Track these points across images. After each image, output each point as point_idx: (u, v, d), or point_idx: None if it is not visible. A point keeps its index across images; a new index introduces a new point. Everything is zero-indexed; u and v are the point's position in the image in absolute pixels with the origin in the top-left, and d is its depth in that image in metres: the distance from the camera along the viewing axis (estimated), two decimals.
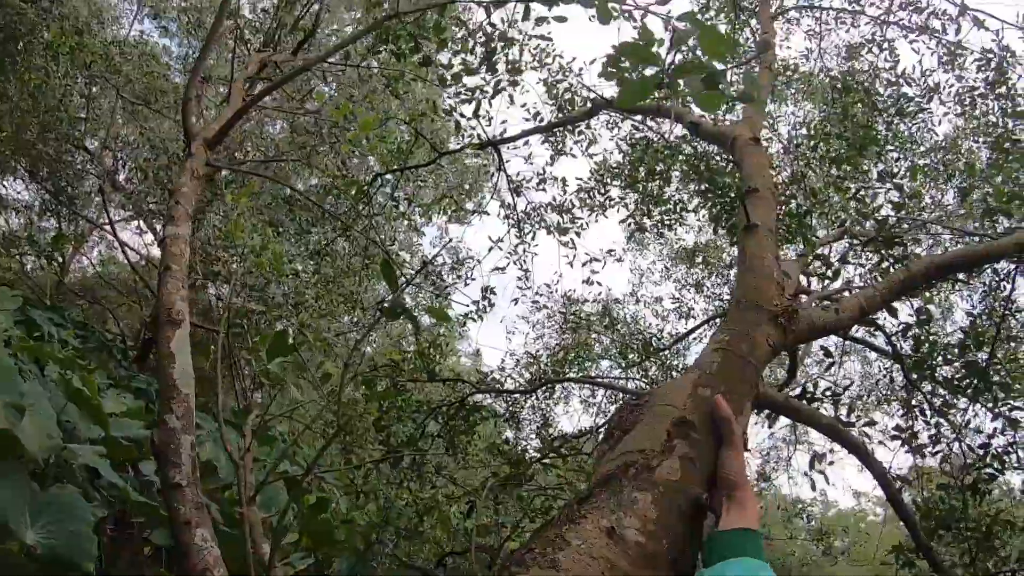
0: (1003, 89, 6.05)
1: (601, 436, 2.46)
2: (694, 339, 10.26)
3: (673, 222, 7.99)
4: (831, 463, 4.56)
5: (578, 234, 8.28)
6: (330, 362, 9.90)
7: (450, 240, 10.61)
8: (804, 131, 6.89)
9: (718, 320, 10.32)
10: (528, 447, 9.62)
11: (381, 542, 6.39)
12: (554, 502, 7.17)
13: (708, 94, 1.58)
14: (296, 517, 5.52)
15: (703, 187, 6.45)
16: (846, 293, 3.83)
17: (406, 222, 8.39)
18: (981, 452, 3.98)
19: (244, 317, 6.18)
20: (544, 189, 8.28)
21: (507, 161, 7.81)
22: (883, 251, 4.44)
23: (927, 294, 4.80)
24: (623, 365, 9.95)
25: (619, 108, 6.02)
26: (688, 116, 3.88)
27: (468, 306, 8.67)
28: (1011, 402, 4.08)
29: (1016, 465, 3.98)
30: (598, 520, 1.38)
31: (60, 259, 10.71)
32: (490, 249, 8.80)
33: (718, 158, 6.63)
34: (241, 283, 6.30)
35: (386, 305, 3.15)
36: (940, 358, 4.14)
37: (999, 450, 3.93)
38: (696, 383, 1.79)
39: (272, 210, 7.21)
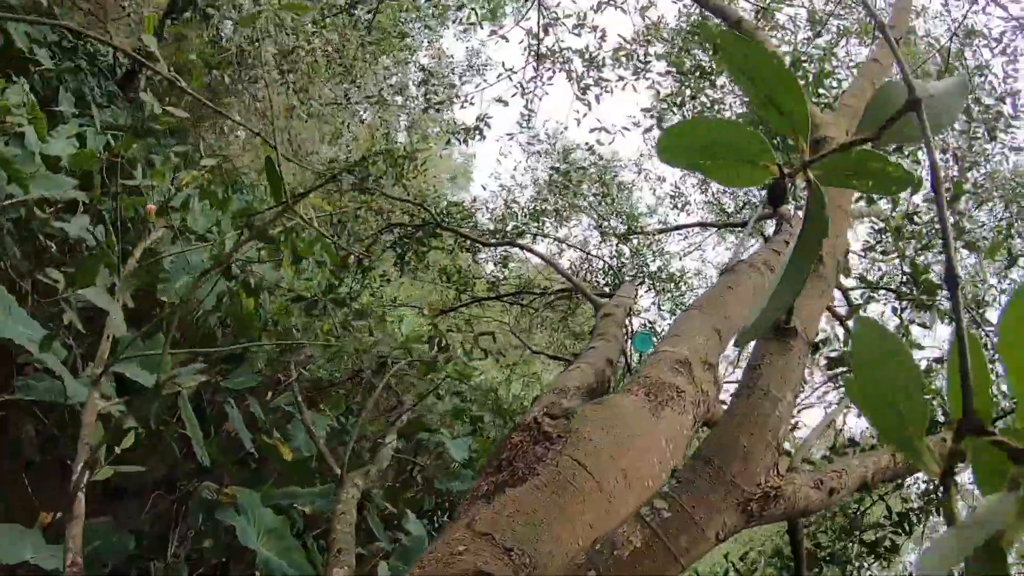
0: None
1: (494, 450, 1.98)
2: (679, 235, 9.79)
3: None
4: None
5: (597, 98, 7.32)
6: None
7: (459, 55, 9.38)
8: None
9: (710, 230, 9.69)
10: (477, 281, 9.50)
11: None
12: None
13: None
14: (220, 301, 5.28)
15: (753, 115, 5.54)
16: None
17: (415, 15, 7.26)
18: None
19: None
20: (579, 34, 7.14)
21: None
22: None
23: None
24: (601, 232, 9.49)
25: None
26: None
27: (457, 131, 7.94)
28: None
29: None
30: None
31: None
32: (499, 76, 7.86)
33: None
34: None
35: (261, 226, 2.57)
36: None
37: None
38: (585, 565, 1.34)
39: None
